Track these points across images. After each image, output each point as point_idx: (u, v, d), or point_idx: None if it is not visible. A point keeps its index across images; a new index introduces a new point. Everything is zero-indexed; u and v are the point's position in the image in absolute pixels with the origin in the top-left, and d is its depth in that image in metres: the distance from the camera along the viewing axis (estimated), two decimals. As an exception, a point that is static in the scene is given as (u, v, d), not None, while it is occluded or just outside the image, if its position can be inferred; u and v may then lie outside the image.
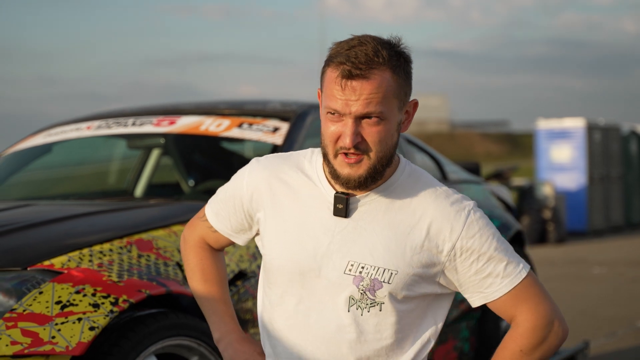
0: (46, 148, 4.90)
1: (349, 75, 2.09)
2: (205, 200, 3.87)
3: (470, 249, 2.19)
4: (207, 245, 2.46)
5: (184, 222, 3.55)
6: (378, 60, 2.10)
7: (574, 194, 19.12)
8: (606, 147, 20.07)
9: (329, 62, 2.15)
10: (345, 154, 2.13)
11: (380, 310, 2.19)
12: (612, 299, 9.97)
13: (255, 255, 3.65)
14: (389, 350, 2.23)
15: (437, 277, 2.23)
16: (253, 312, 3.54)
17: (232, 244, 2.44)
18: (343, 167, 2.14)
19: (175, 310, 3.29)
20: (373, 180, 2.16)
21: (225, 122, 4.39)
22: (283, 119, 4.37)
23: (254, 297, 3.55)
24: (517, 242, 5.76)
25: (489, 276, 2.20)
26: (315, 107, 4.58)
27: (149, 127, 4.54)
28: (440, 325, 2.30)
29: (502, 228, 5.45)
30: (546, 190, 17.77)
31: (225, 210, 2.37)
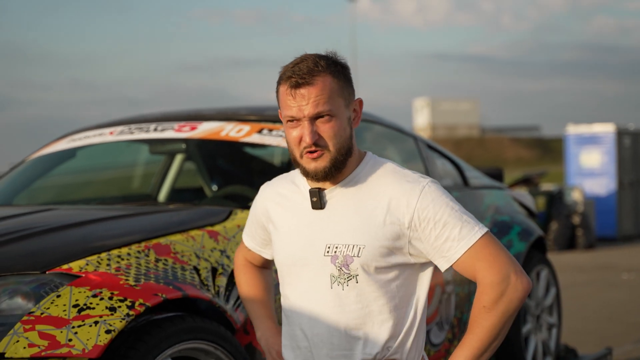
0: (70, 153, 4.95)
1: (296, 85, 2.45)
2: (225, 205, 3.92)
3: (426, 218, 2.46)
4: (250, 263, 2.94)
5: (201, 226, 3.60)
6: (318, 68, 2.47)
7: (604, 200, 19.00)
8: (636, 152, 19.93)
9: (279, 81, 2.52)
10: (309, 152, 2.47)
11: (357, 283, 2.49)
12: (640, 305, 9.91)
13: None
14: (373, 318, 2.51)
15: (406, 248, 2.51)
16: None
17: (267, 259, 2.87)
18: (309, 163, 2.49)
19: (192, 313, 3.32)
20: (337, 170, 2.50)
21: (245, 127, 4.42)
22: (302, 124, 4.38)
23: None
24: (539, 248, 5.74)
25: (447, 240, 2.46)
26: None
27: (170, 132, 4.58)
28: (423, 298, 2.56)
29: (523, 234, 5.44)
30: (575, 196, 17.67)
31: (252, 231, 2.83)
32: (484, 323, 2.42)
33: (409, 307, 2.54)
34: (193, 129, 4.54)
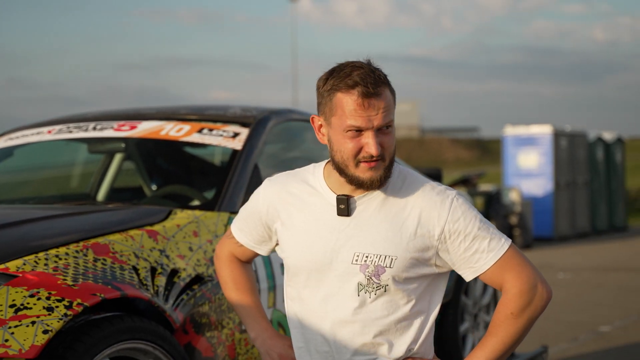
0: (7, 152, 4.90)
1: (368, 95, 2.43)
2: (165, 205, 3.88)
3: (457, 230, 2.54)
4: (236, 258, 2.90)
5: (140, 226, 3.58)
6: (381, 79, 2.47)
7: (541, 200, 19.26)
8: (572, 153, 20.23)
9: (337, 89, 2.47)
10: (367, 161, 2.47)
11: (385, 292, 2.54)
12: (576, 304, 10.07)
13: (212, 259, 3.67)
14: (397, 324, 2.57)
15: (433, 259, 2.58)
16: (209, 315, 3.57)
17: (257, 255, 2.86)
18: (365, 173, 2.49)
19: (131, 313, 3.30)
20: (387, 178, 2.53)
21: (185, 127, 4.41)
22: (243, 124, 4.39)
23: (211, 301, 3.58)
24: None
25: (476, 252, 2.55)
26: (275, 113, 4.60)
27: (109, 131, 4.55)
28: (439, 302, 2.66)
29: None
30: (513, 196, 17.88)
31: (247, 226, 2.79)
32: (509, 328, 2.55)
33: (428, 311, 2.64)
34: (133, 128, 4.51)
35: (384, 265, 2.52)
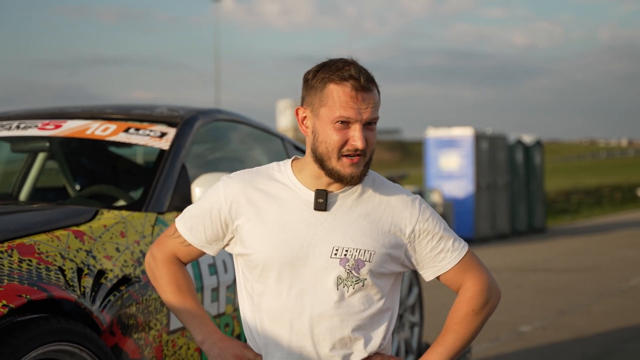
0: None
1: (362, 88, 2.51)
2: (90, 204, 3.81)
3: (426, 230, 2.66)
4: (177, 259, 2.80)
5: (66, 226, 3.52)
6: (370, 77, 2.55)
7: (462, 202, 19.50)
8: (493, 156, 20.53)
9: (329, 80, 2.52)
10: (349, 156, 2.53)
11: (363, 286, 2.60)
12: (496, 304, 10.19)
13: (140, 260, 3.63)
14: (372, 319, 2.64)
15: (402, 257, 2.67)
16: (137, 317, 3.53)
17: (203, 254, 2.78)
18: (346, 167, 2.54)
19: (57, 315, 3.25)
20: (365, 175, 2.59)
21: (111, 126, 4.36)
22: (170, 124, 4.36)
23: (138, 302, 3.54)
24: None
25: (441, 252, 2.68)
26: (203, 113, 4.57)
27: (33, 130, 4.48)
28: (398, 299, 2.76)
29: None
30: (434, 198, 18.07)
31: (200, 224, 2.71)
32: (470, 325, 2.68)
33: (394, 307, 2.72)
34: (57, 127, 4.44)
35: (364, 259, 2.58)
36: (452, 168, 19.93)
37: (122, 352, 3.48)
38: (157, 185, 4.03)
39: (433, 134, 20.25)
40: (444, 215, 17.49)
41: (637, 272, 13.37)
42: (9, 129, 4.53)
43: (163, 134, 4.27)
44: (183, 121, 4.38)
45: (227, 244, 2.73)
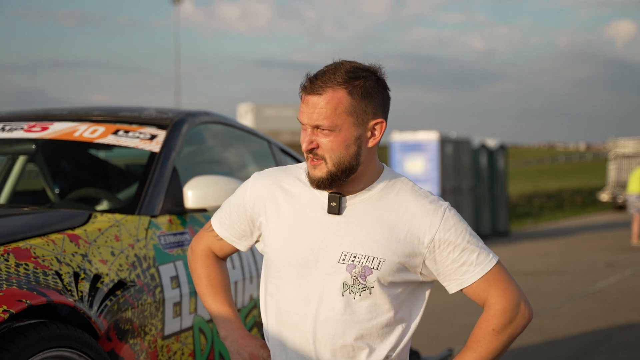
0: None
1: (306, 91, 2.48)
2: (81, 208, 3.77)
3: (447, 241, 2.52)
4: (213, 254, 2.81)
5: (61, 230, 3.47)
6: (333, 80, 2.45)
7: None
8: (458, 159, 20.62)
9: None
10: (310, 159, 2.50)
11: (370, 294, 2.52)
12: (467, 306, 10.23)
13: (134, 264, 3.59)
14: (379, 329, 2.55)
15: (419, 267, 2.56)
16: (132, 322, 3.49)
17: (236, 251, 2.78)
18: (310, 169, 2.52)
19: (55, 320, 3.19)
20: (333, 183, 2.50)
21: (100, 129, 4.31)
22: (160, 126, 4.32)
23: (134, 307, 3.50)
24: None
25: (463, 265, 2.54)
26: (191, 115, 4.54)
27: (19, 132, 4.41)
28: (420, 311, 2.65)
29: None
30: (401, 201, 18.08)
31: (229, 219, 2.72)
32: (489, 345, 2.55)
33: (410, 319, 2.62)
34: (44, 129, 4.38)
35: (372, 267, 2.49)
36: (417, 172, 19.98)
37: (118, 357, 3.43)
38: (150, 188, 3.98)
39: (398, 137, 20.30)
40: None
41: (603, 275, 13.50)
42: (-6, 131, 4.45)
43: (153, 136, 4.23)
44: (173, 123, 4.34)
45: (257, 241, 2.73)
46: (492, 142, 22.49)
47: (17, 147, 4.81)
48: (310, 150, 2.49)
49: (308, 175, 2.53)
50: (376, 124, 2.52)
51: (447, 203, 2.60)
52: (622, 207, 29.71)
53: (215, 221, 2.77)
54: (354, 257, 2.50)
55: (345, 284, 2.51)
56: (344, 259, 2.51)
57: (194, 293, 3.84)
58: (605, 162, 36.87)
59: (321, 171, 2.49)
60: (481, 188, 21.82)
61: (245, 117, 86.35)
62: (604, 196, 31.90)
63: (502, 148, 22.99)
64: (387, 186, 2.58)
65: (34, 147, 4.71)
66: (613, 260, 15.88)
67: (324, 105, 2.44)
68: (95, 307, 3.32)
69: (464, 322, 9.11)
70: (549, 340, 8.37)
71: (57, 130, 4.36)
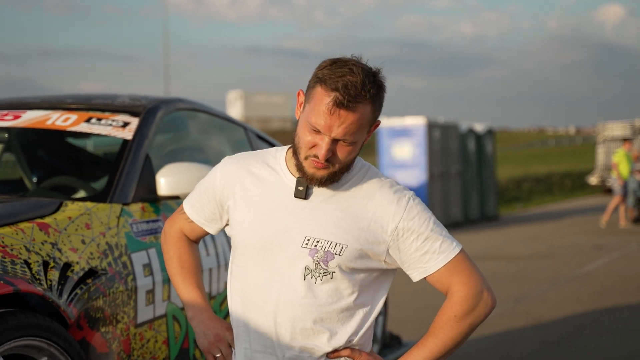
0: None
1: (339, 105, 2.39)
2: (53, 197, 3.74)
3: (410, 229, 2.54)
4: (185, 236, 2.85)
5: (31, 219, 3.44)
6: (364, 95, 2.41)
7: (415, 190, 19.26)
8: (445, 144, 20.62)
9: (321, 82, 2.43)
10: (315, 160, 2.46)
11: (332, 279, 2.53)
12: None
13: (106, 252, 3.57)
14: (339, 313, 2.56)
15: (383, 255, 2.57)
16: (104, 310, 3.47)
17: (207, 234, 2.82)
18: (310, 168, 2.49)
19: (24, 309, 3.17)
20: (331, 181, 2.52)
21: (72, 116, 4.28)
22: (133, 113, 4.29)
23: (105, 295, 3.48)
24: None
25: (426, 253, 2.55)
26: (165, 102, 4.51)
27: (-9, 121, 4.37)
28: (383, 297, 2.67)
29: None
30: (389, 187, 18.08)
31: (200, 202, 2.75)
32: (451, 332, 2.56)
33: (372, 304, 2.64)
34: (17, 117, 4.35)
35: (334, 252, 2.51)
36: (405, 157, 19.98)
37: (89, 346, 3.41)
38: (122, 175, 3.96)
39: (386, 123, 20.27)
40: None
41: (590, 259, 13.53)
42: (-34, 120, 4.42)
43: (126, 124, 4.20)
44: (146, 110, 4.32)
45: (226, 224, 2.74)
46: (479, 127, 22.49)
47: None
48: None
49: (305, 173, 2.51)
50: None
51: (411, 192, 2.61)
52: (610, 191, 29.78)
53: (187, 204, 2.80)
54: (317, 242, 2.52)
55: (307, 268, 2.52)
56: (307, 244, 2.52)
57: (167, 281, 3.82)
58: (594, 146, 36.91)
59: (325, 172, 2.50)
60: (469, 173, 21.83)
61: (235, 105, 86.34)
62: (593, 179, 31.98)
63: (490, 132, 23.00)
64: (354, 174, 2.59)
65: (6, 135, 4.68)
66: (600, 243, 15.93)
67: (354, 122, 2.43)
68: (65, 296, 3.29)
69: (450, 306, 9.10)
70: (535, 324, 8.39)
71: (29, 118, 4.33)
